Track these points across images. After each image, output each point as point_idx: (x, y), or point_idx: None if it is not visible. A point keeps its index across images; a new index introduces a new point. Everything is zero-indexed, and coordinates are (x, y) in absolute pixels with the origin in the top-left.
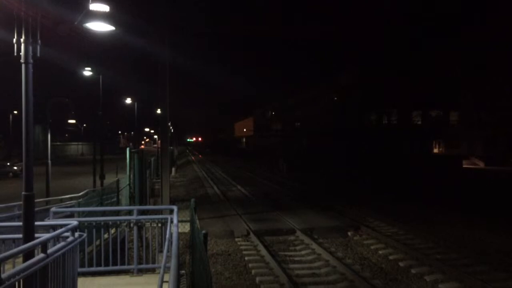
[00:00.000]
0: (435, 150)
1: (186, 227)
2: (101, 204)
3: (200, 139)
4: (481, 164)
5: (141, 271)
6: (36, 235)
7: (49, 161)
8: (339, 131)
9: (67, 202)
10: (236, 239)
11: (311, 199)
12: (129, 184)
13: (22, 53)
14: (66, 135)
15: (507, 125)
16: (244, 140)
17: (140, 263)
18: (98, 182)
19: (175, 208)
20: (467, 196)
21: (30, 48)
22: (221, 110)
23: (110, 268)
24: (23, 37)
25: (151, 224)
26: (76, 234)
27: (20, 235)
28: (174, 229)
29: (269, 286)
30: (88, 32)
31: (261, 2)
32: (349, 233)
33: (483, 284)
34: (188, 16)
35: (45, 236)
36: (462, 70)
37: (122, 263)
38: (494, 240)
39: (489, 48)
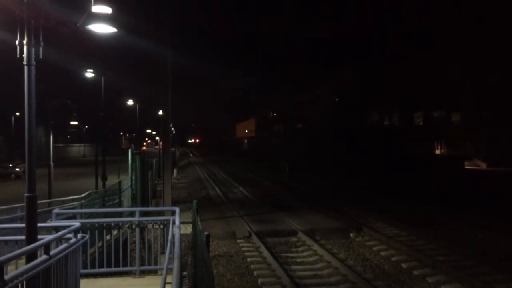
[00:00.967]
0: (437, 151)
1: (188, 229)
2: (103, 206)
3: (200, 140)
4: (483, 165)
5: (143, 273)
6: (39, 236)
7: (52, 163)
8: (341, 132)
9: (70, 204)
10: (238, 241)
11: (312, 200)
12: (131, 186)
13: (24, 55)
14: (68, 136)
15: (509, 126)
16: (245, 141)
17: (142, 264)
18: (100, 183)
19: (177, 209)
20: (469, 197)
21: (33, 50)
22: (223, 111)
23: (113, 269)
24: (25, 39)
25: (153, 225)
26: (79, 236)
27: (23, 237)
28: (176, 231)
29: (271, 287)
30: (91, 34)
31: (261, 2)
32: (351, 234)
33: (485, 285)
34: (189, 16)
35: (47, 237)
36: (464, 70)
37: (125, 265)
38: (496, 241)
39: (490, 47)
